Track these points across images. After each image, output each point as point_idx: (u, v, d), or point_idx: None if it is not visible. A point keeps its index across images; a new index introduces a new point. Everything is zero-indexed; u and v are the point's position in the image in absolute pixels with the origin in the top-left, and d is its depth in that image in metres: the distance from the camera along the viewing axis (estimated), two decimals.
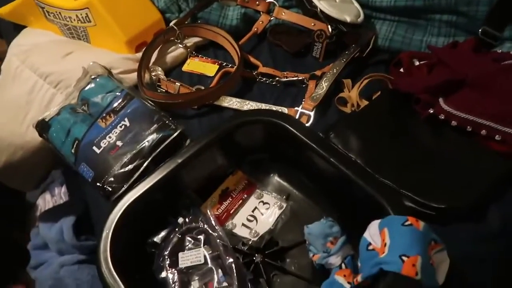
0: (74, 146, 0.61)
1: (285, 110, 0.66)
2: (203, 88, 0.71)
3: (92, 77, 0.67)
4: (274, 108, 0.66)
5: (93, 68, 0.68)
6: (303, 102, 0.67)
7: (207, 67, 0.76)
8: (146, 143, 0.59)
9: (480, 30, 0.68)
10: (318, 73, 0.71)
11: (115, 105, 0.64)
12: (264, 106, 0.67)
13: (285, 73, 0.72)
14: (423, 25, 0.74)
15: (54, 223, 0.85)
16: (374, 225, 0.45)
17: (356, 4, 0.74)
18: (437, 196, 0.53)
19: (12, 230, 1.07)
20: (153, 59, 0.76)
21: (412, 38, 0.74)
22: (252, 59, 0.76)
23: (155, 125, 0.61)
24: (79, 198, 0.88)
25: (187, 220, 0.53)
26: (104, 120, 0.63)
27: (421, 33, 0.74)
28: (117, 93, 0.65)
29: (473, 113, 0.59)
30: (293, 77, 0.72)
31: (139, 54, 0.75)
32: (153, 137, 0.60)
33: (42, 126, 0.65)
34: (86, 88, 0.66)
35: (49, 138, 0.64)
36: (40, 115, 0.68)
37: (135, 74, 0.72)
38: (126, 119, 0.62)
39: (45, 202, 1.07)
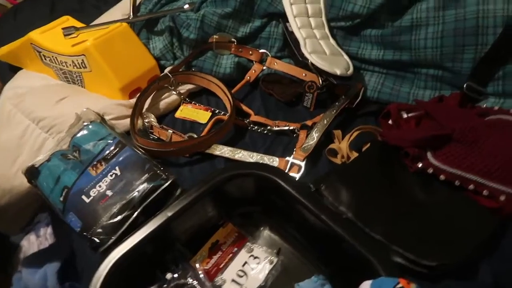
0: (63, 194, 0.61)
1: (276, 160, 0.66)
2: (195, 136, 0.72)
3: (85, 123, 0.67)
4: (265, 158, 0.67)
5: (86, 114, 0.69)
6: (294, 152, 0.67)
7: (199, 114, 0.77)
8: (136, 193, 0.59)
9: (465, 85, 0.70)
10: (309, 123, 0.72)
11: (106, 153, 0.64)
12: (255, 155, 0.68)
13: (276, 122, 0.74)
14: (410, 78, 0.76)
15: (38, 268, 0.82)
16: (366, 286, 0.45)
17: (346, 57, 0.77)
18: (427, 253, 0.53)
19: None
20: (147, 105, 0.77)
21: (400, 90, 0.76)
22: (244, 107, 0.77)
23: (146, 175, 0.61)
24: (65, 241, 0.85)
25: (175, 275, 0.52)
26: (94, 168, 0.62)
27: (408, 86, 0.76)
28: (109, 141, 0.65)
29: (460, 167, 0.60)
30: (284, 126, 0.73)
31: (133, 100, 0.75)
32: (143, 187, 0.60)
33: (32, 173, 0.64)
34: (78, 135, 0.66)
35: (38, 185, 0.63)
36: (30, 159, 0.67)
37: (127, 120, 0.73)
38: (117, 168, 0.62)
39: (30, 243, 1.03)
